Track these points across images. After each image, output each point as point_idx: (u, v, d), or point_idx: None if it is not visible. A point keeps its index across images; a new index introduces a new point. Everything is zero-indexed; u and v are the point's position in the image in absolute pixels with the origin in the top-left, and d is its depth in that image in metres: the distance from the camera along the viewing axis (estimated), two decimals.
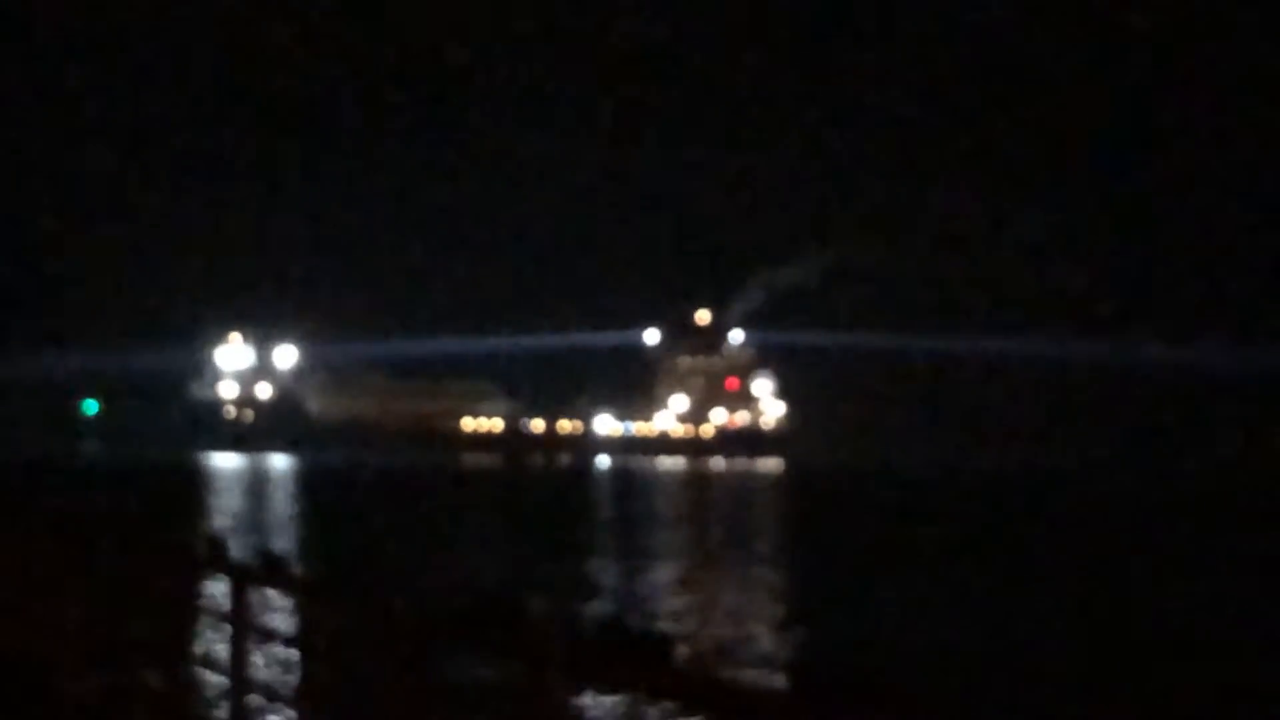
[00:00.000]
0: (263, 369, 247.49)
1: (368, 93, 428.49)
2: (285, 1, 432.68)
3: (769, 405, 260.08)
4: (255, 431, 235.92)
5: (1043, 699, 23.12)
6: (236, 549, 11.24)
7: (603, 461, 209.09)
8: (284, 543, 47.22)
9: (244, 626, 10.31)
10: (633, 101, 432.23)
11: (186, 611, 11.40)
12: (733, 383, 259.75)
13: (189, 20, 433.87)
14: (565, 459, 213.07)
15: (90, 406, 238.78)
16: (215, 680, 10.88)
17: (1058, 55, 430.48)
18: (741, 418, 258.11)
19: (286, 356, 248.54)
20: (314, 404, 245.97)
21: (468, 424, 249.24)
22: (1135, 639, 30.35)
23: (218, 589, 11.00)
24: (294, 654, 9.41)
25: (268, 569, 10.03)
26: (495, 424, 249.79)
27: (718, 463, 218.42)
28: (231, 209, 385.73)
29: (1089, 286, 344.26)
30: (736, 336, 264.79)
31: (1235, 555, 53.18)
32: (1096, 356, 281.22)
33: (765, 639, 29.02)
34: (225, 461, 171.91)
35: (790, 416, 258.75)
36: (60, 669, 13.42)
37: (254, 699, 10.25)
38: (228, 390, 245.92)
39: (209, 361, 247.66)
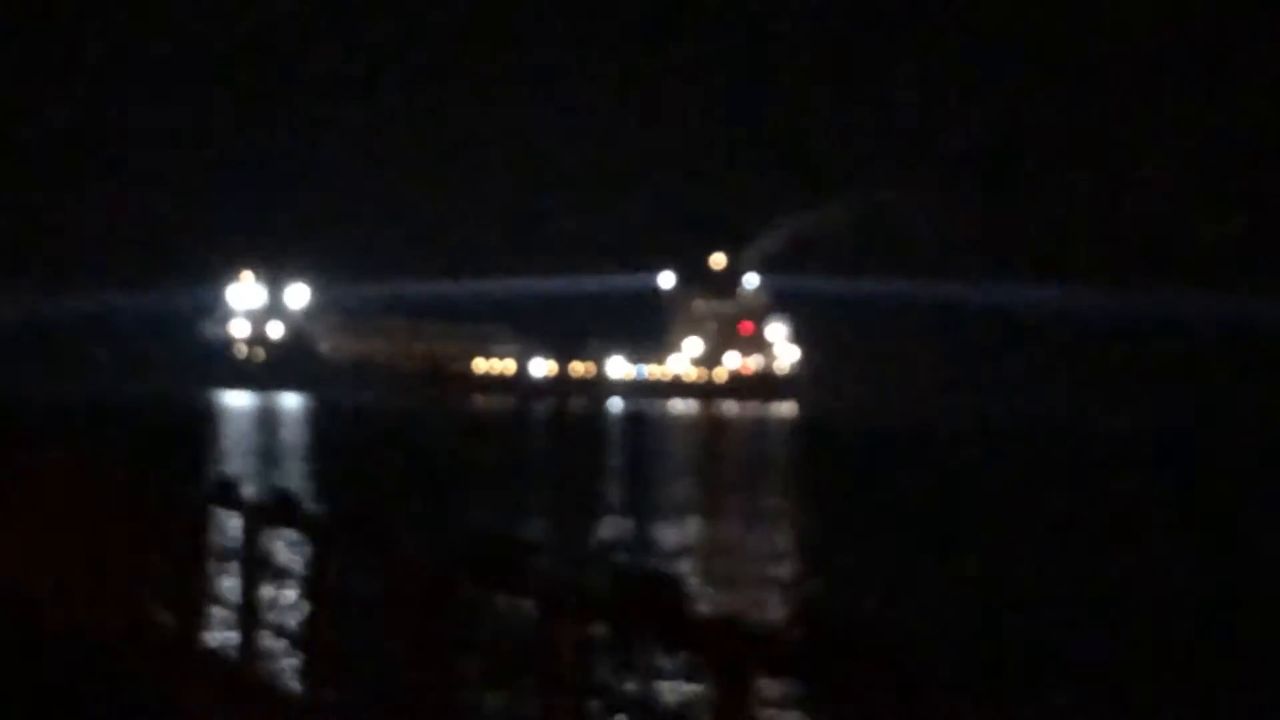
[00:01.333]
0: (274, 308, 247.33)
1: (384, 35, 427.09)
2: None
3: (783, 350, 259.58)
4: (266, 370, 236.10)
5: (1042, 655, 23.15)
6: (246, 488, 11.25)
7: (615, 404, 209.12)
8: (294, 482, 47.33)
9: (256, 565, 10.33)
10: (651, 45, 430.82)
11: (198, 550, 11.42)
12: (747, 327, 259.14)
13: None
14: (577, 401, 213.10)
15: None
16: (227, 618, 10.90)
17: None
18: (755, 362, 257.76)
19: (298, 296, 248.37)
20: (325, 344, 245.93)
21: (479, 365, 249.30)
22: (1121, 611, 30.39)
23: (229, 528, 11.02)
24: (305, 593, 9.42)
25: (280, 508, 10.04)
26: (507, 366, 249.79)
27: (730, 407, 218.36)
28: (244, 148, 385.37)
29: (1117, 237, 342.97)
30: (751, 281, 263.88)
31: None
32: (1124, 310, 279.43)
33: (777, 589, 29.06)
34: (236, 400, 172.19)
35: (804, 362, 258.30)
36: (74, 607, 13.47)
37: (265, 637, 10.28)
38: (239, 329, 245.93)
39: (221, 300, 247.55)
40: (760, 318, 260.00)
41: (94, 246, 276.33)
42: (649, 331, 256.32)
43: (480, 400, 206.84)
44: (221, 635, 11.02)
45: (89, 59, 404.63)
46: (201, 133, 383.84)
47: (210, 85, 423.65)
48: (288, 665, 10.26)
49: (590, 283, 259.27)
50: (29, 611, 13.85)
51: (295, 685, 9.61)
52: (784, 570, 31.75)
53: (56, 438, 18.55)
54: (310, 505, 10.08)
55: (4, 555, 15.67)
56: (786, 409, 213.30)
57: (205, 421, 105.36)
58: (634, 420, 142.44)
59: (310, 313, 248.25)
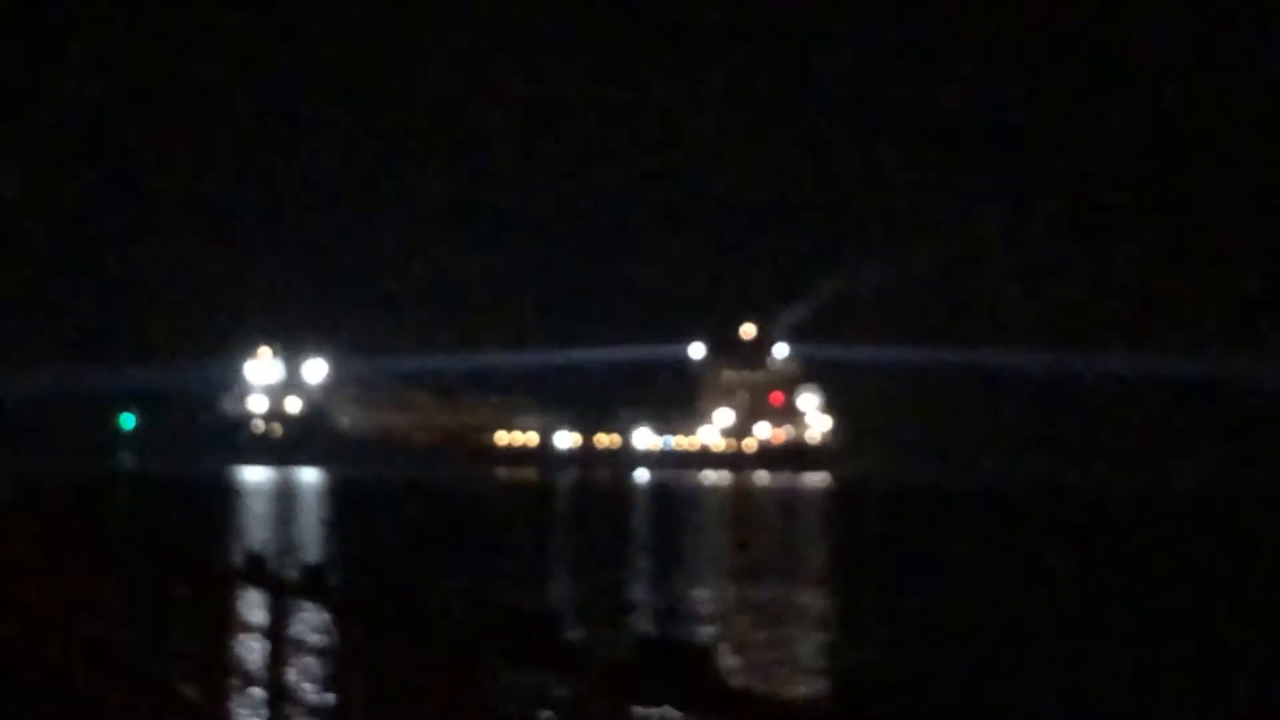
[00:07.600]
0: (292, 383, 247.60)
1: (404, 104, 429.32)
2: (326, 18, 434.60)
3: (814, 419, 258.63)
4: (284, 445, 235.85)
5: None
6: (271, 563, 11.22)
7: (641, 476, 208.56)
8: (314, 557, 47.21)
9: (283, 640, 10.29)
10: (679, 113, 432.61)
11: (225, 625, 11.39)
12: (777, 397, 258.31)
13: (224, 32, 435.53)
14: (603, 473, 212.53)
15: (127, 420, 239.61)
16: (253, 694, 10.85)
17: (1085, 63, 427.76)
18: (786, 432, 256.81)
19: (316, 370, 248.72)
20: (345, 418, 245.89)
21: (503, 438, 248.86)
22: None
23: (256, 603, 10.99)
24: (332, 669, 9.38)
25: (308, 583, 10.01)
26: (531, 438, 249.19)
27: (761, 477, 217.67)
28: (263, 223, 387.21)
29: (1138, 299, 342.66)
30: (781, 350, 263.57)
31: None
32: (1156, 371, 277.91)
33: (807, 655, 28.87)
34: (254, 475, 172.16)
35: (836, 431, 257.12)
36: (99, 680, 13.43)
37: (292, 713, 10.22)
38: (257, 404, 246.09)
39: (239, 375, 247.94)
40: (791, 387, 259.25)
41: (111, 323, 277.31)
42: (678, 402, 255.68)
43: (504, 472, 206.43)
44: (248, 711, 10.97)
45: (104, 130, 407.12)
46: (219, 208, 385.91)
47: (228, 161, 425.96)
48: None
49: (618, 353, 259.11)
50: (55, 682, 13.82)
51: None
52: (813, 637, 31.56)
53: (78, 513, 18.54)
54: (335, 580, 10.05)
55: (29, 627, 15.66)
56: (819, 479, 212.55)
57: (225, 497, 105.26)
58: (661, 491, 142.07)
59: (329, 387, 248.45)
